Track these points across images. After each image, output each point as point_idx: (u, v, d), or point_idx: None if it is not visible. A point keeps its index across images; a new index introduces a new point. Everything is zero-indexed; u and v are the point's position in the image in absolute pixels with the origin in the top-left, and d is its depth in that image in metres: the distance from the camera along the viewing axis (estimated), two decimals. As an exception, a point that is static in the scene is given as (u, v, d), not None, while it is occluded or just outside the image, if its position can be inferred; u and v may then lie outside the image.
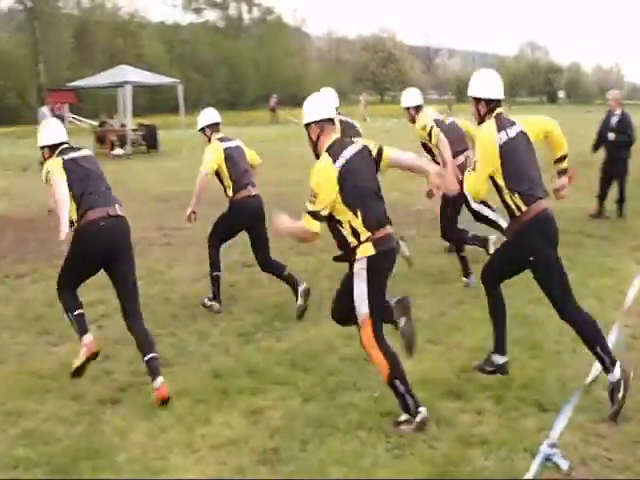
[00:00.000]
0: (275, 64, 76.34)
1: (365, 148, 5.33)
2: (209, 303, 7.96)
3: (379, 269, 5.15)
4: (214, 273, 8.01)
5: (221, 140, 7.99)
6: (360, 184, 5.15)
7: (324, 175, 5.11)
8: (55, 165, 5.99)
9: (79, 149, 6.28)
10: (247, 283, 8.78)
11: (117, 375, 6.18)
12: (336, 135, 5.44)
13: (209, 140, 8.07)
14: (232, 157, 7.88)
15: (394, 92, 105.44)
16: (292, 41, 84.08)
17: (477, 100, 5.70)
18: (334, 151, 5.19)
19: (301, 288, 7.55)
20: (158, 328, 7.20)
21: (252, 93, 72.56)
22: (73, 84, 29.78)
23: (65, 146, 6.18)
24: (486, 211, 8.46)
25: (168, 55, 67.74)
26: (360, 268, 5.10)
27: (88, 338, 6.05)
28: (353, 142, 5.34)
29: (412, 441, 4.86)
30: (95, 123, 30.45)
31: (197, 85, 64.00)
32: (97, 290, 8.44)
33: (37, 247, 11.02)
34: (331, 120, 5.40)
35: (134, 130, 26.97)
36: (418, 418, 5.01)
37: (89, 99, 42.32)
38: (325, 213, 5.11)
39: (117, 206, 6.15)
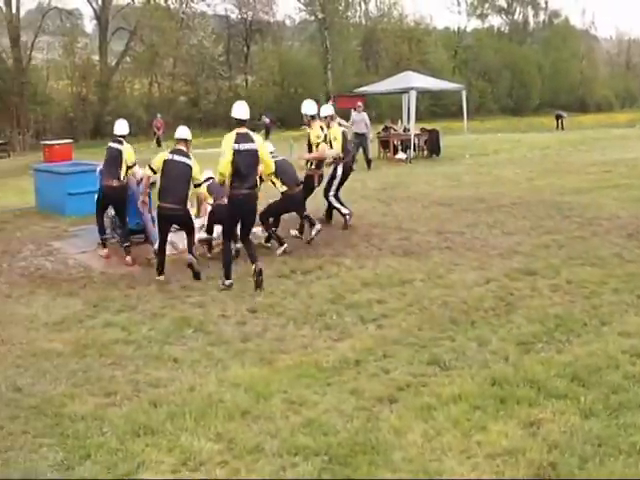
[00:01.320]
0: (561, 69, 74.17)
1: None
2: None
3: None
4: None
5: (177, 152, 10.06)
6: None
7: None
8: None
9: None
10: (528, 291, 8.57)
11: (395, 374, 6.27)
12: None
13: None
14: (168, 169, 9.90)
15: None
16: (579, 44, 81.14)
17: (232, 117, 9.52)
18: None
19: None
20: (437, 332, 7.27)
21: (536, 98, 71.02)
22: (360, 90, 30.66)
23: None
24: None
25: (452, 61, 68.06)
26: None
27: None
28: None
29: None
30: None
31: (479, 90, 63.75)
32: (377, 289, 8.69)
33: (322, 244, 11.49)
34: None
35: (417, 135, 27.30)
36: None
37: (374, 104, 43.46)
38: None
39: None
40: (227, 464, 4.83)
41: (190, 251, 9.94)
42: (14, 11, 46.13)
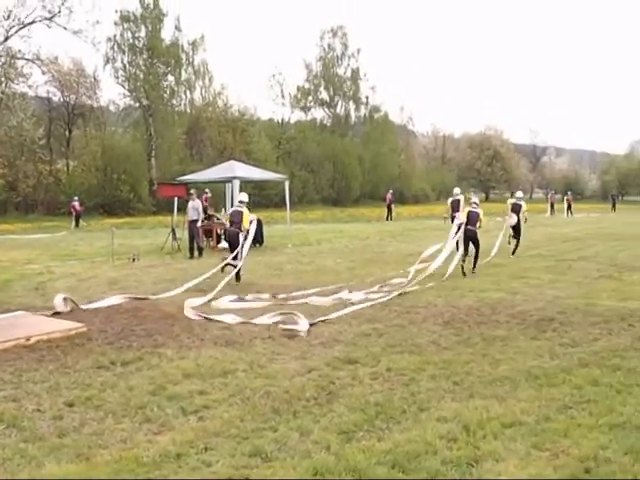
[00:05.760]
0: (380, 161, 77.52)
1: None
2: None
3: None
4: None
5: None
6: None
7: None
8: None
9: None
10: (349, 380, 8.71)
11: (217, 467, 6.15)
12: None
13: None
14: None
15: (499, 190, 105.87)
16: (398, 139, 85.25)
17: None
18: None
19: None
20: (259, 422, 7.21)
21: (357, 189, 73.63)
22: (184, 178, 30.64)
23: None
24: None
25: (275, 151, 69.60)
26: None
27: None
28: None
29: None
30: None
31: (302, 181, 65.39)
32: (198, 380, 8.58)
33: (143, 335, 11.24)
34: None
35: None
36: None
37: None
38: None
39: None
40: None
41: None
42: None
